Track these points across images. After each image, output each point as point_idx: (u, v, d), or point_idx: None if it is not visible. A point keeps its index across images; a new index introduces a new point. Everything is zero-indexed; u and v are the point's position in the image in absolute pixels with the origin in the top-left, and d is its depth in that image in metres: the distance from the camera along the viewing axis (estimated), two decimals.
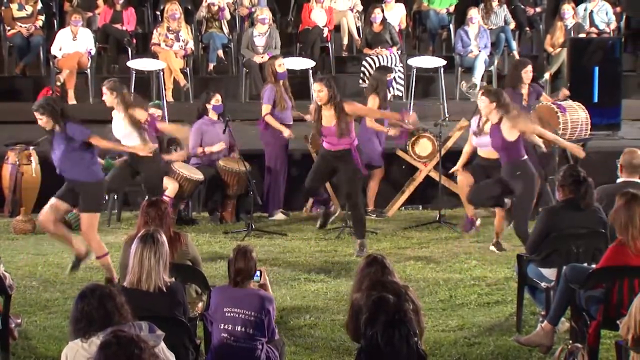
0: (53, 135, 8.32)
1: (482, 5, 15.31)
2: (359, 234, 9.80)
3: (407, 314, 5.31)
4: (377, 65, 13.70)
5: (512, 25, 15.38)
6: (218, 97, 11.34)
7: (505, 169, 9.13)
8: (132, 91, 13.29)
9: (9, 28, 14.66)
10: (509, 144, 9.03)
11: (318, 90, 9.61)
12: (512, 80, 11.08)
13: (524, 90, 10.92)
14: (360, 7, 15.75)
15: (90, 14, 15.16)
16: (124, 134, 9.32)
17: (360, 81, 14.15)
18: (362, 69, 14.21)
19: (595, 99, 12.56)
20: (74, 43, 13.96)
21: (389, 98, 11.57)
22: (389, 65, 13.59)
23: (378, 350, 5.21)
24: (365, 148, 10.87)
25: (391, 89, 12.06)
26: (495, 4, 15.31)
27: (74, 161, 8.27)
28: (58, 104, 8.54)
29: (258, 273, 6.08)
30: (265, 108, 11.11)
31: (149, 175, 9.75)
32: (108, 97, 9.31)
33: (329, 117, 9.60)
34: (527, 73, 10.92)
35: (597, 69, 12.70)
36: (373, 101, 11.01)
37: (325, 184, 10.56)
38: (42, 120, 8.26)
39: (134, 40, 14.94)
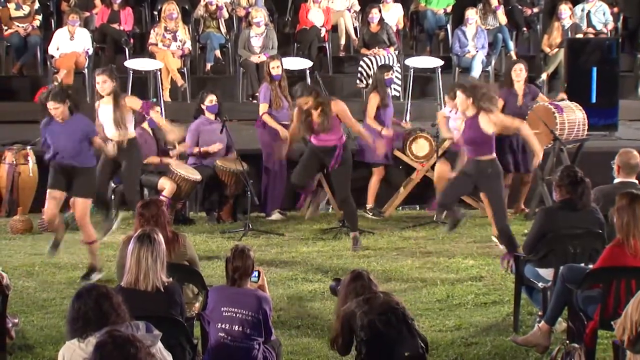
0: (54, 124, 8.54)
1: (480, 6, 15.32)
2: (353, 227, 10.04)
3: (400, 304, 5.41)
4: (375, 65, 13.71)
5: (503, 17, 15.32)
6: (212, 97, 11.32)
7: (475, 166, 8.95)
8: (130, 91, 13.36)
9: (6, 28, 14.67)
10: (484, 137, 8.84)
11: None
12: (505, 80, 11.34)
13: (518, 90, 11.09)
14: (357, 7, 15.76)
15: (87, 13, 15.17)
16: (111, 123, 9.39)
17: (358, 81, 14.16)
18: (360, 69, 14.21)
19: (593, 100, 12.57)
20: (71, 43, 13.96)
21: (389, 97, 11.57)
22: (389, 65, 13.58)
23: (380, 336, 5.27)
24: (366, 146, 10.90)
25: (390, 87, 12.06)
26: (494, 4, 15.30)
27: (79, 149, 8.59)
28: (73, 92, 8.82)
29: (256, 273, 6.09)
30: (263, 107, 11.16)
31: (130, 164, 9.57)
32: (109, 85, 9.36)
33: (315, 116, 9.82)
34: (516, 71, 11.13)
35: (594, 69, 12.71)
36: (374, 99, 11.04)
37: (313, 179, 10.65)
38: (58, 110, 8.47)
39: (132, 40, 14.94)
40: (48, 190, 8.80)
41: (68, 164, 8.60)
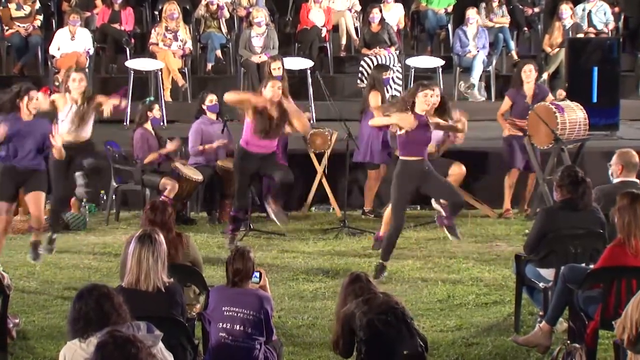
0: (21, 122, 8.60)
1: (483, 5, 15.33)
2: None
3: (399, 303, 5.43)
4: (375, 65, 13.70)
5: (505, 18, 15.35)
6: (212, 97, 11.32)
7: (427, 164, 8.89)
8: (131, 92, 13.37)
9: (7, 28, 14.69)
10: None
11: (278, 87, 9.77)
12: (514, 81, 11.31)
13: (528, 90, 11.09)
14: (358, 7, 15.76)
15: (88, 13, 15.18)
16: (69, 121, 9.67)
17: (359, 81, 14.15)
18: (361, 69, 14.20)
19: (594, 99, 12.57)
20: (72, 43, 13.97)
21: (387, 97, 11.55)
22: (387, 65, 13.58)
23: (379, 335, 5.28)
24: (364, 145, 10.87)
25: (388, 87, 12.03)
26: (495, 4, 15.31)
27: (38, 152, 8.69)
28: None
29: (257, 274, 6.08)
30: None
31: (87, 158, 9.70)
32: (84, 84, 9.72)
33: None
34: (526, 72, 11.12)
35: (595, 69, 12.71)
36: (375, 98, 10.86)
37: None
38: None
39: (132, 40, 14.94)
40: None
41: (27, 167, 8.64)
